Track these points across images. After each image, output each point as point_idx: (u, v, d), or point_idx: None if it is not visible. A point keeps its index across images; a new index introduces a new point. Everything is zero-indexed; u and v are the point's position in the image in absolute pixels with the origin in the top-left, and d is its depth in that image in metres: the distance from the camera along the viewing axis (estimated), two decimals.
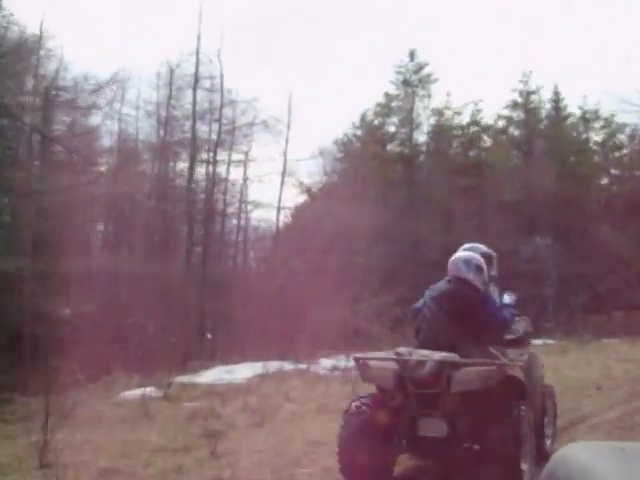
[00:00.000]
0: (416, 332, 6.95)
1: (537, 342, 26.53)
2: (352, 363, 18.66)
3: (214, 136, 32.88)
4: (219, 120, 32.69)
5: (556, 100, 40.73)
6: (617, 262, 32.21)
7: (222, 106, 32.57)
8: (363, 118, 43.50)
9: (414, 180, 39.35)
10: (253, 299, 29.58)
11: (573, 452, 1.89)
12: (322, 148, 41.27)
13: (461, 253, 7.35)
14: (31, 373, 15.95)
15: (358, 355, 7.03)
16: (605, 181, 42.77)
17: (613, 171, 43.05)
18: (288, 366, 18.72)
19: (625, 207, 36.51)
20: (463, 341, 6.34)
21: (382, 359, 6.76)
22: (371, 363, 6.48)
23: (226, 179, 34.10)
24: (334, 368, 18.16)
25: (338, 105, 61.91)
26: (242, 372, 17.97)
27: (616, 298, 32.80)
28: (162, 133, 32.88)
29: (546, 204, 36.29)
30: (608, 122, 40.61)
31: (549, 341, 25.80)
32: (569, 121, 41.88)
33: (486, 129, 40.26)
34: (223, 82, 32.30)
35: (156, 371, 17.13)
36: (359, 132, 44.04)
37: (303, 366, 18.14)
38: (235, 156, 34.30)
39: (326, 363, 19.43)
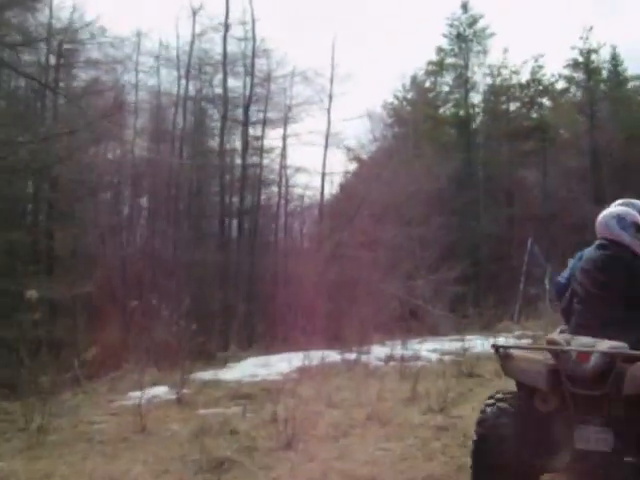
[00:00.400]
0: (565, 314, 5.54)
1: None
2: (410, 352, 16.31)
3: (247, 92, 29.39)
4: (252, 72, 29.29)
5: (615, 62, 37.18)
6: None
7: (254, 55, 29.19)
8: (414, 79, 40.35)
9: (471, 144, 36.39)
10: (296, 277, 27.01)
11: None
12: (370, 111, 38.33)
13: (613, 208, 5.73)
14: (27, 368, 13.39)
15: (499, 343, 6.19)
16: None
17: None
18: (334, 356, 15.97)
19: None
20: (630, 325, 4.95)
21: (531, 348, 6.02)
22: (516, 354, 5.10)
23: (261, 138, 30.70)
24: (389, 358, 15.44)
25: (386, 64, 58.45)
26: (279, 365, 15.26)
27: None
28: (189, 86, 29.57)
29: (616, 171, 33.01)
30: None
31: None
32: (631, 84, 38.37)
33: (547, 88, 36.91)
34: (255, 28, 29.05)
35: (177, 364, 14.44)
36: (410, 94, 40.89)
37: (352, 356, 15.34)
38: (272, 114, 30.91)
39: (379, 352, 16.69)
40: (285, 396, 10.23)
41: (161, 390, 12.27)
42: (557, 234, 32.13)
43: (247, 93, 28.98)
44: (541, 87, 36.66)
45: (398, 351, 15.87)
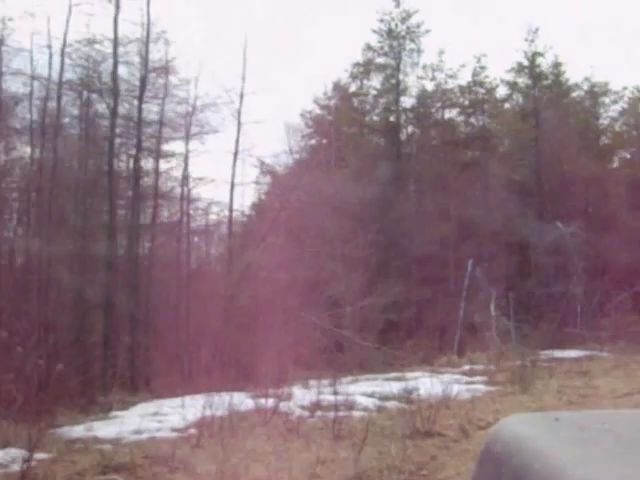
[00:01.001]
0: None
1: (572, 354, 22.18)
2: (342, 396, 13.86)
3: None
4: (146, 59, 26.23)
5: (557, 70, 35.96)
6: None
7: (149, 38, 26.07)
8: (337, 84, 38.20)
9: (402, 154, 34.33)
10: (199, 304, 24.33)
11: (509, 425, 2.08)
12: (287, 121, 36.03)
13: None
14: None
15: None
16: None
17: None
18: (246, 401, 13.36)
19: None
20: None
21: None
22: None
23: (159, 139, 27.68)
24: (315, 406, 12.96)
25: (308, 68, 55.54)
26: (173, 416, 12.61)
27: None
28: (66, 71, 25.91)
29: (564, 184, 31.56)
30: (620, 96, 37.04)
31: (591, 354, 21.12)
32: (575, 94, 37.36)
33: (491, 92, 35.25)
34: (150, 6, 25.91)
35: (43, 412, 11.60)
36: (332, 101, 38.72)
37: (268, 402, 12.69)
38: (172, 114, 27.96)
39: (302, 396, 14.25)
40: (174, 472, 7.63)
41: (10, 454, 9.55)
42: (500, 254, 30.31)
43: (140, 84, 25.98)
44: (483, 91, 34.95)
45: (326, 395, 13.45)
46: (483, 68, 34.40)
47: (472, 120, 35.38)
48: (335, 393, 13.30)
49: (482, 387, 14.73)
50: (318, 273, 26.28)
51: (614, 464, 1.69)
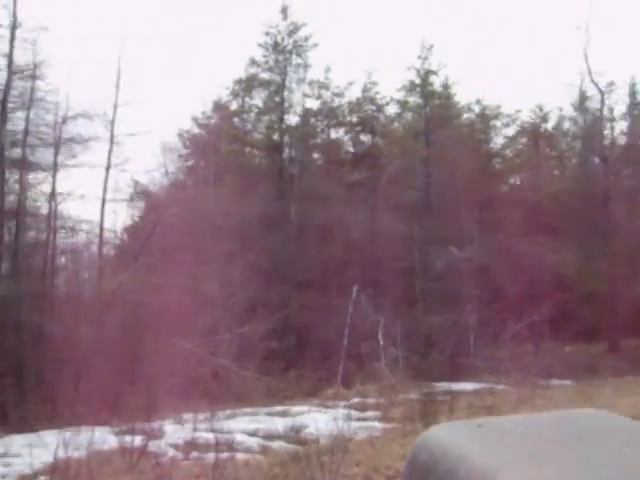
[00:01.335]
0: None
1: (468, 386, 21.36)
2: (220, 434, 12.27)
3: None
4: (9, 59, 23.93)
5: (448, 93, 35.66)
6: (556, 282, 27.44)
7: (14, 39, 23.75)
8: (217, 102, 36.78)
9: (285, 174, 33.16)
10: (62, 330, 22.29)
11: (434, 433, 2.22)
12: (164, 142, 34.29)
13: None
14: None
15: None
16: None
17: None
18: (110, 439, 11.74)
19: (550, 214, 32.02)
20: None
21: None
22: None
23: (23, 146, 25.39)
24: (190, 446, 11.45)
25: (188, 87, 54.11)
26: (22, 458, 10.86)
27: (555, 327, 27.82)
28: None
29: (456, 207, 31.02)
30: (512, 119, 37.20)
31: (488, 386, 20.33)
32: (466, 115, 37.24)
33: (381, 110, 34.52)
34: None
35: None
36: (213, 120, 37.28)
37: (136, 439, 11.09)
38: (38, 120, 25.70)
39: (175, 433, 12.68)
40: None
41: None
42: (386, 280, 29.39)
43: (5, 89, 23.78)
44: (374, 107, 34.13)
45: (202, 433, 11.97)
46: (374, 84, 33.69)
47: (361, 138, 34.48)
48: (213, 430, 11.82)
49: (378, 424, 13.48)
50: (194, 297, 24.65)
51: (534, 465, 1.88)
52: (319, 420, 12.72)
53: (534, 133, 36.31)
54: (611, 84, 34.63)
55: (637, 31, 60.11)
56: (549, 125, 37.57)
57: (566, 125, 38.32)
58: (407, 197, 32.13)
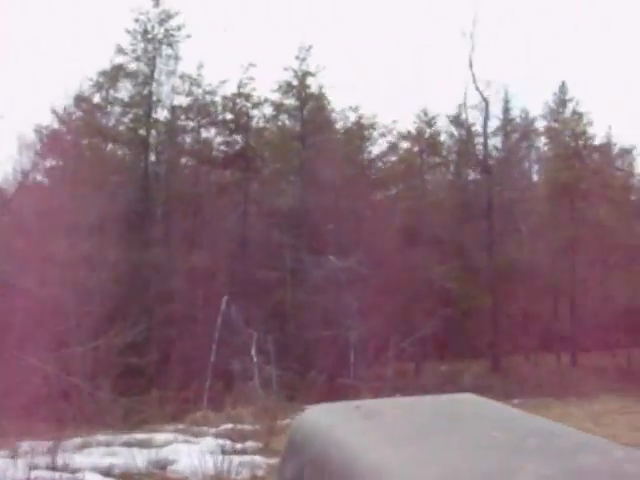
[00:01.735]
0: None
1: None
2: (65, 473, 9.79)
3: None
4: None
5: (324, 98, 34.15)
6: (441, 296, 26.25)
7: None
8: (80, 96, 33.83)
9: (150, 174, 30.79)
10: None
11: (310, 415, 2.34)
12: (21, 136, 31.14)
13: None
14: None
15: None
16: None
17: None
18: None
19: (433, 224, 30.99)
20: None
21: None
22: None
23: None
24: None
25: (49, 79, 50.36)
26: None
27: (438, 344, 26.60)
28: None
29: (335, 215, 29.48)
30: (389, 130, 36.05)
31: None
32: (341, 123, 35.87)
33: (257, 108, 32.54)
34: None
35: None
36: (74, 115, 34.31)
37: None
38: None
39: (3, 472, 10.20)
40: None
41: None
42: (259, 291, 27.38)
43: None
44: (249, 105, 32.09)
45: (42, 472, 9.69)
46: (251, 80, 31.66)
47: (234, 138, 32.37)
48: (55, 468, 9.55)
49: (260, 459, 11.31)
50: (43, 304, 21.97)
51: (405, 447, 1.92)
52: (188, 453, 10.66)
53: (417, 139, 35.19)
54: (497, 92, 34.29)
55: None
56: (439, 131, 37.03)
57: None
58: (281, 202, 30.19)
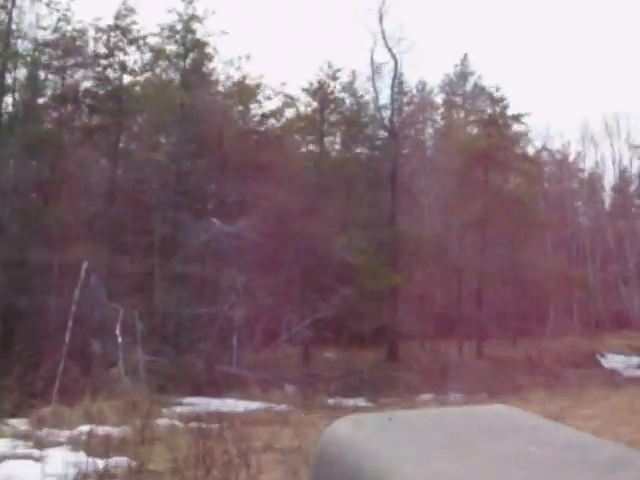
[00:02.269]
0: None
1: (238, 406, 16.93)
2: None
3: None
4: None
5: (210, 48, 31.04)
6: (342, 273, 23.82)
7: None
8: None
9: (6, 117, 27.24)
10: None
11: (342, 426, 2.23)
12: None
13: None
14: None
15: None
16: None
17: None
18: None
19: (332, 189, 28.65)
20: None
21: None
22: None
23: None
24: None
25: None
26: None
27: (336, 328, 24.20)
28: None
29: (221, 173, 26.69)
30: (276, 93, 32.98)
31: (266, 406, 16.05)
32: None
33: (136, 44, 28.95)
34: None
35: None
36: None
37: None
38: None
39: None
40: None
41: None
42: (124, 260, 24.17)
43: None
44: (127, 40, 28.42)
45: None
46: (130, 12, 28.11)
47: (107, 74, 28.72)
48: None
49: None
50: None
51: (440, 460, 1.90)
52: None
53: (317, 92, 32.42)
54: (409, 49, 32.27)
55: None
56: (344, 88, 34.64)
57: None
58: (161, 155, 26.95)
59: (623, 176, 52.06)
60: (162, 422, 12.92)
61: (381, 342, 29.62)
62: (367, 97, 36.41)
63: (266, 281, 22.40)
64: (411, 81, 41.20)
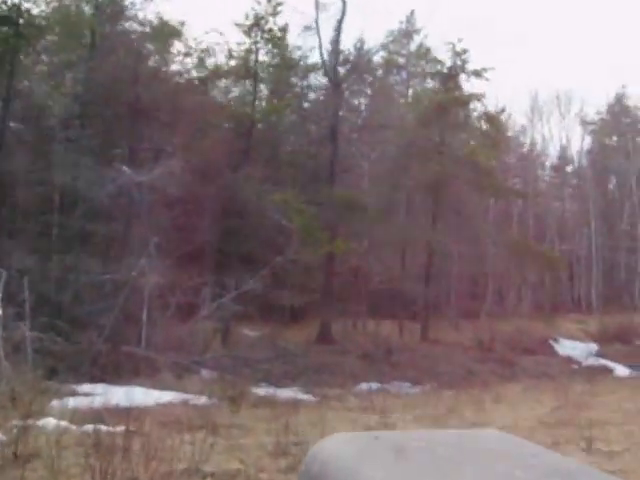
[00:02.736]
0: None
1: (149, 397, 13.93)
2: None
3: None
4: None
5: None
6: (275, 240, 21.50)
7: None
8: None
9: None
10: None
11: (328, 444, 2.28)
12: None
13: None
14: None
15: None
16: None
17: None
18: None
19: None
20: None
21: None
22: None
23: None
24: None
25: None
26: None
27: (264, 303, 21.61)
28: None
29: (133, 117, 23.69)
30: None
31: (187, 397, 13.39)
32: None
33: None
34: None
35: None
36: None
37: None
38: None
39: None
40: None
41: None
42: (13, 215, 21.12)
43: None
44: None
45: None
46: None
47: None
48: None
49: None
50: None
51: None
52: None
53: (252, 28, 29.35)
54: None
55: None
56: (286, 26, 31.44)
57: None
58: (69, 87, 23.80)
59: (564, 154, 51.07)
60: (48, 423, 10.06)
61: (309, 319, 27.25)
62: (310, 41, 34.07)
63: (184, 244, 19.50)
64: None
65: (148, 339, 17.58)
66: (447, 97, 28.65)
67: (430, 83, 33.94)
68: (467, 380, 20.96)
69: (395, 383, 19.96)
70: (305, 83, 33.14)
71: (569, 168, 51.81)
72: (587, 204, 44.00)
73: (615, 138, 50.74)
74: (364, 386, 19.09)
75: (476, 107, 31.30)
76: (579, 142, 52.05)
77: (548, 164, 52.27)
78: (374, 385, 19.15)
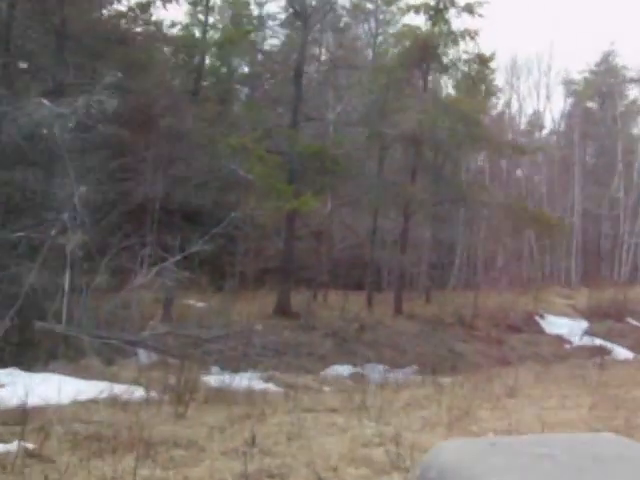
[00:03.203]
0: None
1: (65, 393, 11.36)
2: None
3: None
4: None
5: None
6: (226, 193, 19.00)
7: None
8: None
9: None
10: None
11: (444, 451, 2.35)
12: None
13: None
14: None
15: None
16: None
17: None
18: None
19: None
20: None
21: None
22: None
23: None
24: None
25: None
26: None
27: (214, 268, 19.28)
28: None
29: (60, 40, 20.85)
30: None
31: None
32: None
33: None
34: None
35: None
36: None
37: None
38: None
39: None
40: None
41: None
42: None
43: None
44: None
45: None
46: None
47: None
48: None
49: None
50: None
51: None
52: None
53: None
54: None
55: None
56: None
57: None
58: None
59: (536, 117, 49.33)
60: None
61: (263, 289, 24.93)
62: None
63: (118, 197, 16.79)
64: None
65: (70, 313, 14.76)
66: (435, 33, 25.93)
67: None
68: (453, 362, 19.15)
69: (371, 366, 17.73)
70: (265, 12, 30.57)
71: (546, 131, 50.25)
72: (570, 170, 42.59)
73: (599, 99, 49.00)
74: (335, 370, 16.94)
75: (468, 48, 28.86)
76: (561, 104, 50.47)
77: (524, 127, 50.51)
78: (347, 369, 17.08)
